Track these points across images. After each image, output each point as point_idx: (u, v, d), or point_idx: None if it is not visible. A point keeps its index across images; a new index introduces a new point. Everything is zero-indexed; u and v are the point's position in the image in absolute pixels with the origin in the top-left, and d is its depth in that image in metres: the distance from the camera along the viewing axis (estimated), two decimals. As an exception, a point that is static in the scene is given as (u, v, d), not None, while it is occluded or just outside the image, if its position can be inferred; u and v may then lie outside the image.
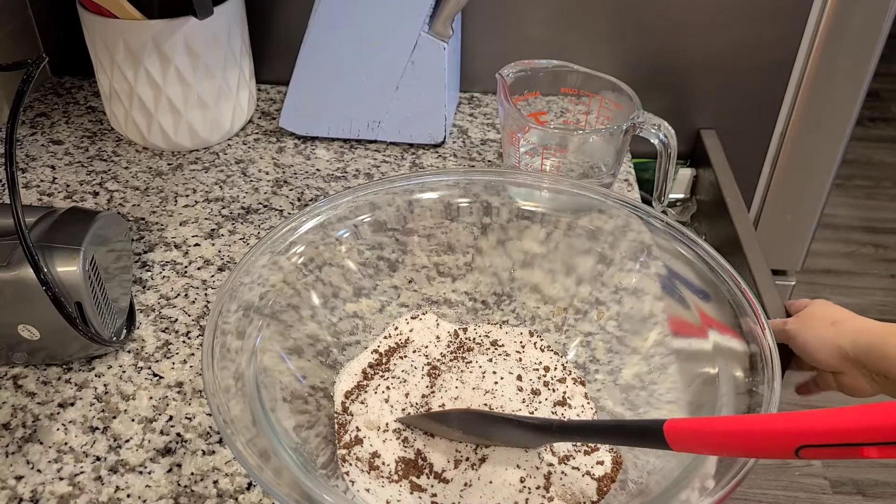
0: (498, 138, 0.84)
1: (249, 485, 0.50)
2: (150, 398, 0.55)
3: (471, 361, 0.54)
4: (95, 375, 0.57)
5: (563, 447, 0.49)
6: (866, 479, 1.47)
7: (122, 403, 0.55)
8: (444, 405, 0.50)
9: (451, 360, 0.55)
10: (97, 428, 0.53)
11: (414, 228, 0.59)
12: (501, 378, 0.52)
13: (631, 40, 0.87)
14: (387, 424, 0.51)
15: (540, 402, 0.52)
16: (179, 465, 0.51)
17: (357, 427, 0.51)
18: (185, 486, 0.50)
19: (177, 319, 0.62)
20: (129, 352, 0.59)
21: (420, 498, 0.47)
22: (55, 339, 0.54)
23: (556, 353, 0.57)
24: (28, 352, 0.55)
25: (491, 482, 0.47)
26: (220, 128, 0.81)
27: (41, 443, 0.52)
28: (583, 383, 0.55)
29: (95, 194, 0.75)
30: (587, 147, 0.70)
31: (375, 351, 0.57)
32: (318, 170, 0.79)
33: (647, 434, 0.40)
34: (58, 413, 0.54)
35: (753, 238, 0.79)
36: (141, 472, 0.50)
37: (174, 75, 0.75)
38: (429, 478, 0.48)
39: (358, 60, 0.78)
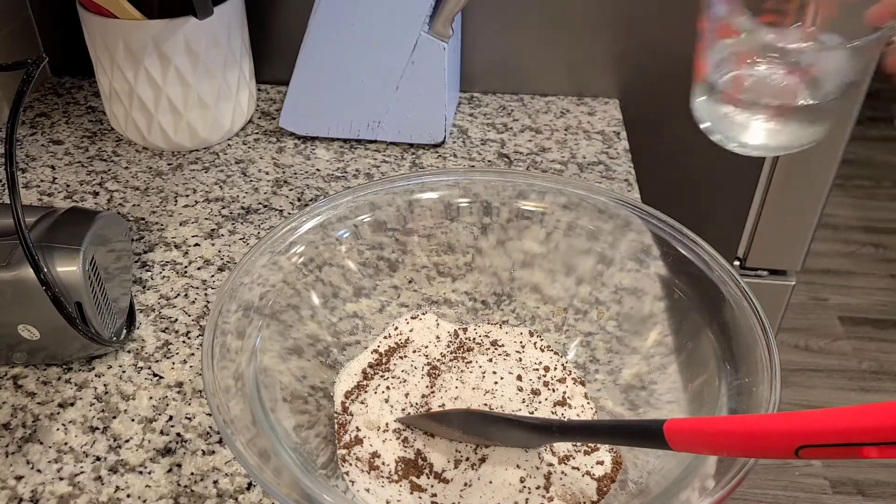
0: (498, 138, 0.84)
1: (249, 485, 0.50)
2: (150, 398, 0.55)
3: (471, 361, 0.54)
4: (95, 375, 0.57)
5: (563, 447, 0.49)
6: (866, 479, 1.47)
7: (122, 403, 0.55)
8: (444, 405, 0.50)
9: (451, 360, 0.55)
10: (97, 428, 0.53)
11: (414, 228, 0.59)
12: (501, 378, 0.52)
13: (626, 52, 0.87)
14: (387, 424, 0.51)
15: (540, 402, 0.52)
16: (179, 465, 0.51)
17: (357, 427, 0.51)
18: (185, 486, 0.50)
19: (177, 319, 0.62)
20: (129, 352, 0.59)
21: (420, 498, 0.47)
22: (55, 339, 0.54)
23: (556, 353, 0.57)
24: (28, 352, 0.55)
25: (491, 482, 0.47)
26: (220, 128, 0.81)
27: (41, 443, 0.52)
28: (583, 383, 0.55)
29: (95, 194, 0.75)
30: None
31: (375, 351, 0.57)
32: (318, 170, 0.79)
33: (647, 434, 0.40)
34: (58, 413, 0.54)
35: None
36: (141, 472, 0.50)
37: (174, 75, 0.75)
38: (429, 478, 0.48)
39: (358, 60, 0.78)
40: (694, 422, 0.40)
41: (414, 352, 0.56)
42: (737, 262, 1.03)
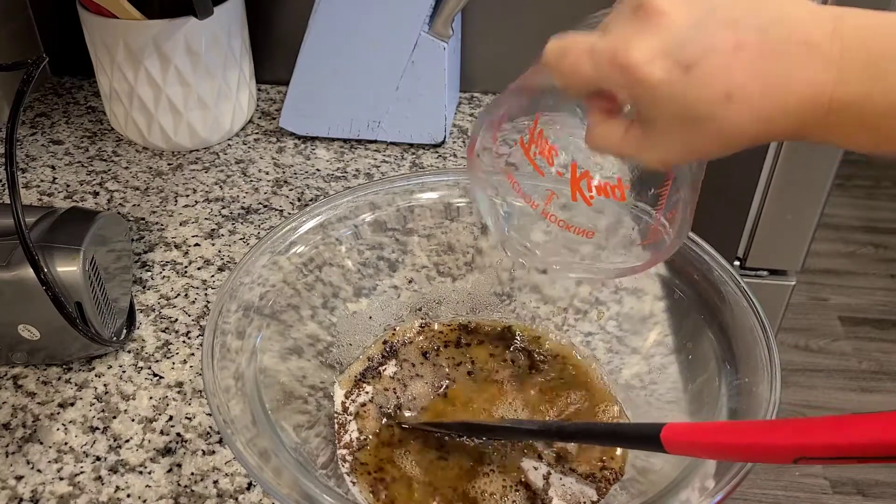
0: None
1: (249, 485, 0.50)
2: (150, 398, 0.55)
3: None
4: (95, 375, 0.57)
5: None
6: (866, 479, 1.47)
7: (122, 403, 0.55)
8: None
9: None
10: (97, 428, 0.53)
11: (414, 228, 0.59)
12: (501, 378, 0.52)
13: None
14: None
15: (540, 403, 0.52)
16: (179, 465, 0.51)
17: (357, 427, 0.51)
18: (185, 486, 0.50)
19: (177, 319, 0.62)
20: (129, 352, 0.59)
21: (420, 498, 0.47)
22: (55, 339, 0.54)
23: (556, 354, 0.57)
24: (28, 352, 0.55)
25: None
26: (220, 128, 0.81)
27: (41, 443, 0.52)
28: (583, 383, 0.55)
29: (95, 194, 0.75)
30: None
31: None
32: (318, 170, 0.79)
33: (645, 438, 0.40)
34: (58, 413, 0.54)
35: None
36: (141, 472, 0.50)
37: (174, 75, 0.75)
38: (429, 478, 0.48)
39: (358, 60, 0.78)
40: (691, 429, 0.39)
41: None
42: (737, 262, 1.03)
